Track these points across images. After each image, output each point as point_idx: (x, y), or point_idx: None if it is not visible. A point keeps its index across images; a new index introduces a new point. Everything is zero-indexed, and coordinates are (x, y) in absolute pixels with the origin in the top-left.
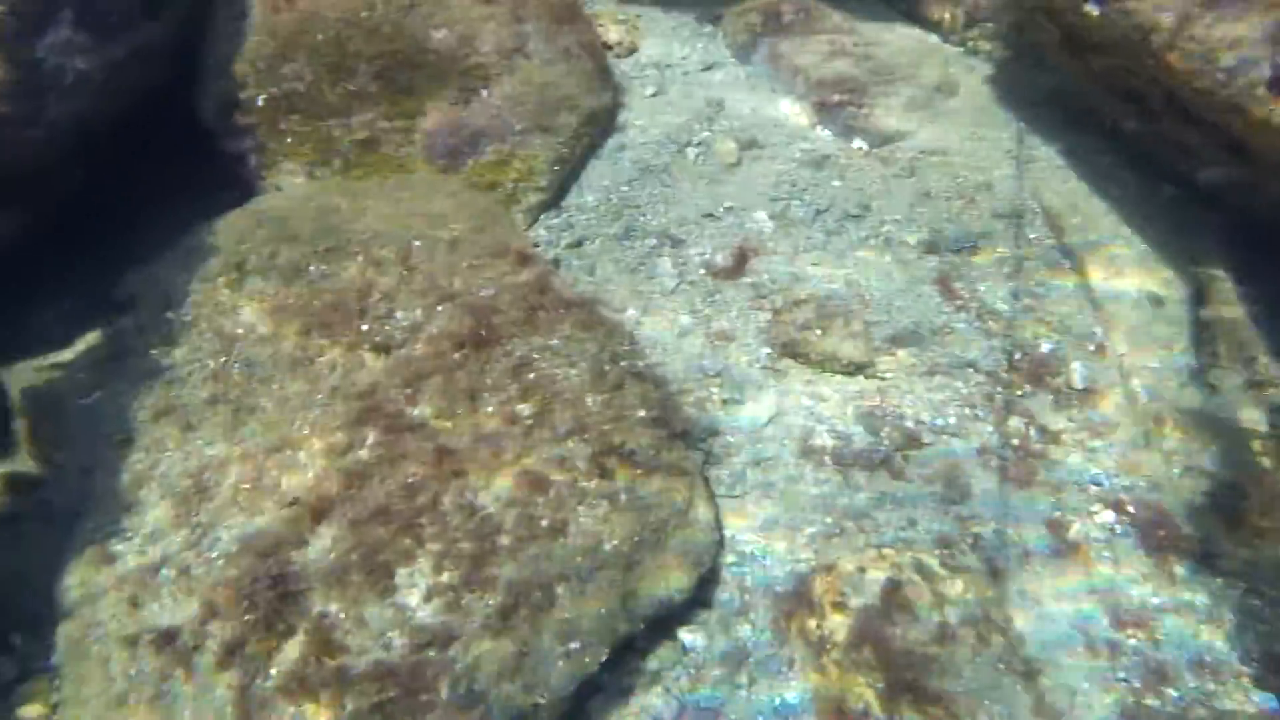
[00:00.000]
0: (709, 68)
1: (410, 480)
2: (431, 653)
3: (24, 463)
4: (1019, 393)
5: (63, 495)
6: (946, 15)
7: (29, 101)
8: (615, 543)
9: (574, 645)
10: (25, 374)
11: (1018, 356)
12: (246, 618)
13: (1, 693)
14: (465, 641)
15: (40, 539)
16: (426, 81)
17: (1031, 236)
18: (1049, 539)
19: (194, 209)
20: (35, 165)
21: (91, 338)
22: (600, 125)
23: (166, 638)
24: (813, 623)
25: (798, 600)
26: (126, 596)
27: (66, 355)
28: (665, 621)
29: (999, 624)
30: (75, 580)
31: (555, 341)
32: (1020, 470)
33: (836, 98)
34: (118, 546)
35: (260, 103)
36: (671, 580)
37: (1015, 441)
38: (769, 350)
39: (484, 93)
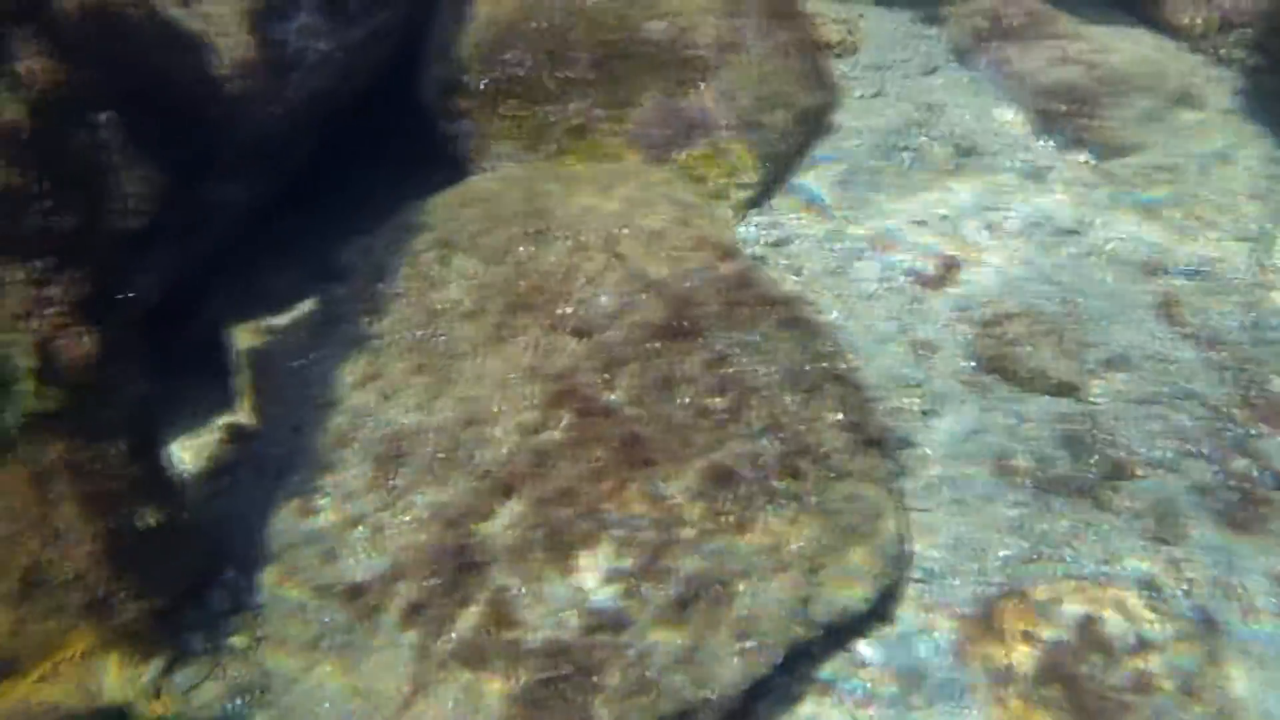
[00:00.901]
0: (930, 71)
1: (598, 464)
2: (605, 636)
3: (243, 415)
4: (1251, 432)
5: (274, 449)
6: (1195, 20)
7: (272, 80)
8: (799, 545)
9: (748, 644)
10: (249, 334)
11: (1253, 393)
12: (430, 582)
13: (214, 622)
14: (639, 629)
15: (252, 486)
16: (642, 72)
17: (1275, 264)
18: (1278, 596)
19: (410, 186)
20: (272, 139)
21: (309, 304)
22: (812, 125)
23: (356, 591)
24: (998, 651)
25: (983, 626)
26: (323, 549)
27: (286, 319)
28: (843, 631)
29: (1211, 682)
30: (280, 528)
31: (754, 337)
32: (1246, 516)
33: (1062, 107)
34: (318, 501)
35: (480, 86)
36: (853, 589)
37: (1242, 485)
38: (972, 363)
39: (698, 86)
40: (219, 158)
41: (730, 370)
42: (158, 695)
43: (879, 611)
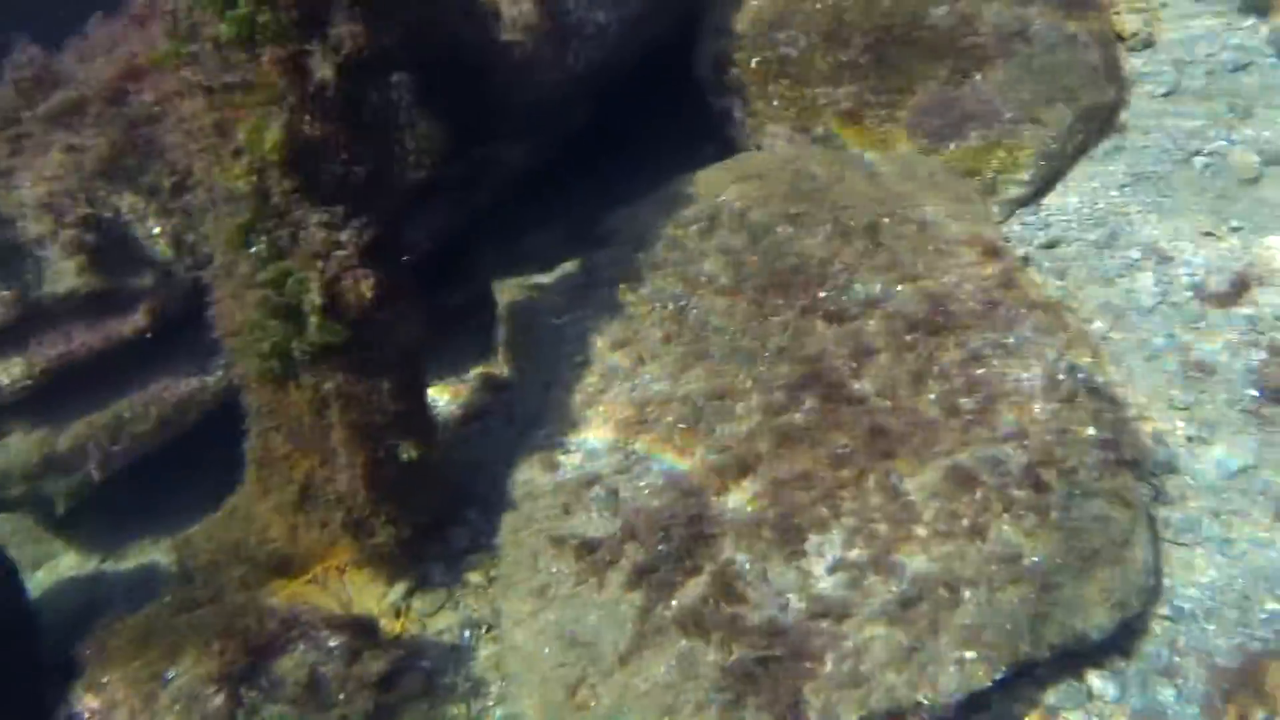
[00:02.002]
0: (1240, 68)
1: (839, 451)
2: (825, 624)
3: (498, 367)
4: None
5: (524, 401)
6: None
7: (554, 48)
8: (1036, 560)
9: (970, 654)
10: (512, 289)
11: None
12: (660, 548)
13: (454, 557)
14: (860, 621)
15: (500, 435)
16: (919, 58)
17: None
18: None
19: (677, 159)
20: (550, 105)
21: (571, 265)
22: (1098, 122)
23: (588, 547)
24: (1258, 713)
25: (1242, 681)
26: (561, 502)
27: (547, 278)
28: (1074, 657)
29: None
30: (522, 478)
31: (1011, 340)
32: None
33: None
34: (561, 457)
35: (753, 65)
36: (1091, 615)
37: None
38: (1255, 392)
39: (976, 75)
40: (500, 120)
41: (983, 371)
42: (399, 615)
43: (1118, 644)
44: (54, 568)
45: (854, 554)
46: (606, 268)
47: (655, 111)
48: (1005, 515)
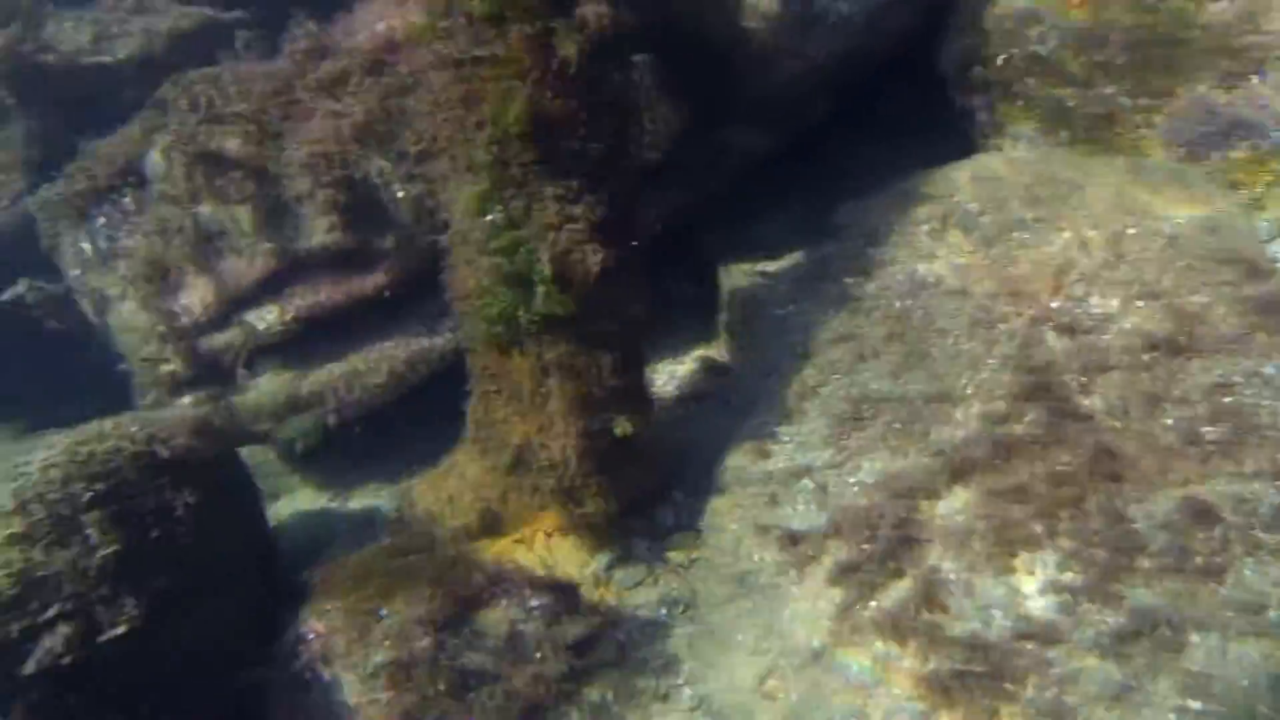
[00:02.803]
0: None
1: (1060, 469)
2: (1031, 646)
3: (719, 352)
4: None
5: (741, 389)
6: None
7: (796, 36)
8: None
9: (1194, 704)
10: (738, 276)
11: None
12: (865, 547)
13: (658, 534)
14: (1070, 649)
15: (715, 419)
16: (1185, 59)
17: None
18: None
19: (915, 155)
20: (789, 93)
21: (798, 256)
22: None
23: (792, 539)
24: None
25: None
26: (769, 491)
27: (774, 267)
28: None
29: None
30: (733, 463)
31: (1270, 370)
32: None
33: None
34: (773, 446)
35: (999, 62)
36: None
37: None
38: None
39: (1254, 78)
40: (737, 105)
41: (1232, 400)
42: (599, 585)
43: None
44: (292, 501)
45: (1068, 577)
46: (835, 261)
47: (895, 105)
48: (1249, 560)
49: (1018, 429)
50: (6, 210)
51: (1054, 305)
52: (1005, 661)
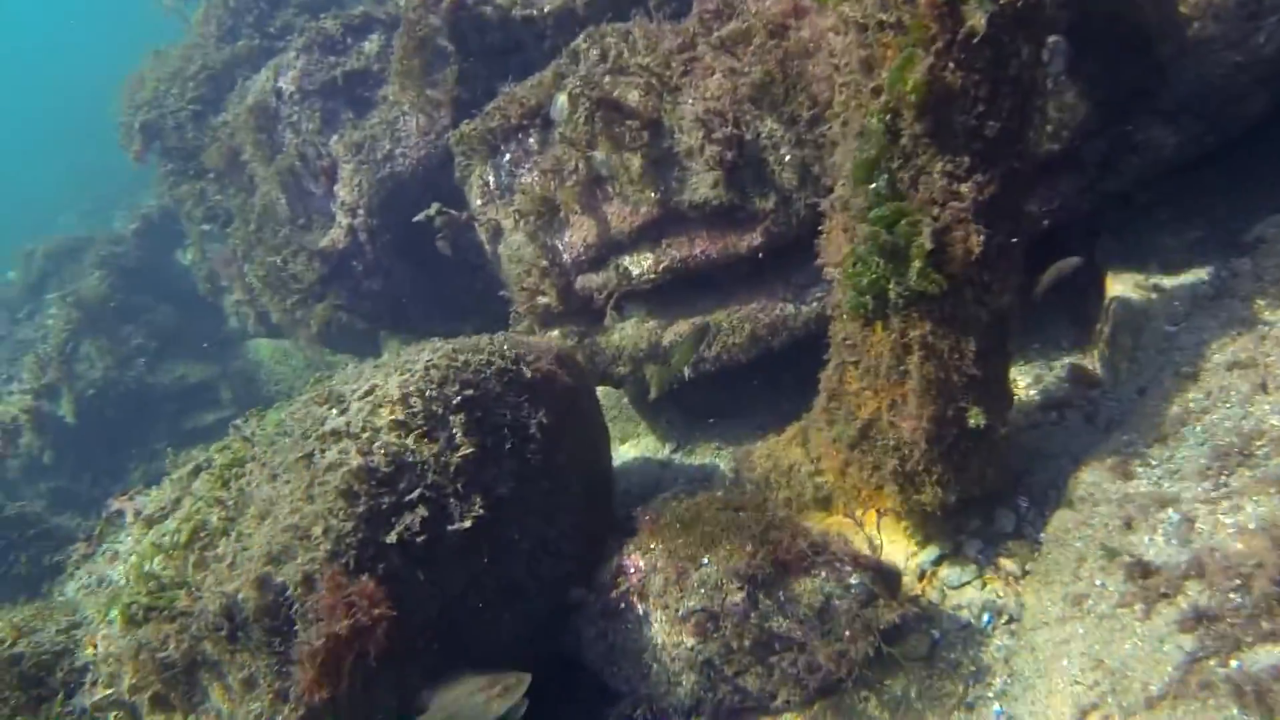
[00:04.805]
0: None
1: None
2: None
3: (1092, 361)
4: None
5: (1111, 403)
6: None
7: (1240, 27)
8: None
9: None
10: (1127, 284)
11: None
12: (1234, 597)
13: (993, 538)
14: None
15: (1076, 431)
16: None
17: None
18: None
19: None
20: (1220, 89)
21: (1201, 271)
22: None
23: (1143, 571)
24: None
25: None
26: (1124, 515)
27: (1170, 280)
28: None
29: None
30: (1088, 479)
31: None
32: None
33: None
34: (1138, 468)
35: None
36: None
37: None
38: None
39: None
40: (1154, 100)
41: None
42: (923, 577)
43: None
44: (636, 445)
45: None
46: (1245, 280)
47: None
48: None
49: None
50: (434, 142)
51: None
52: None
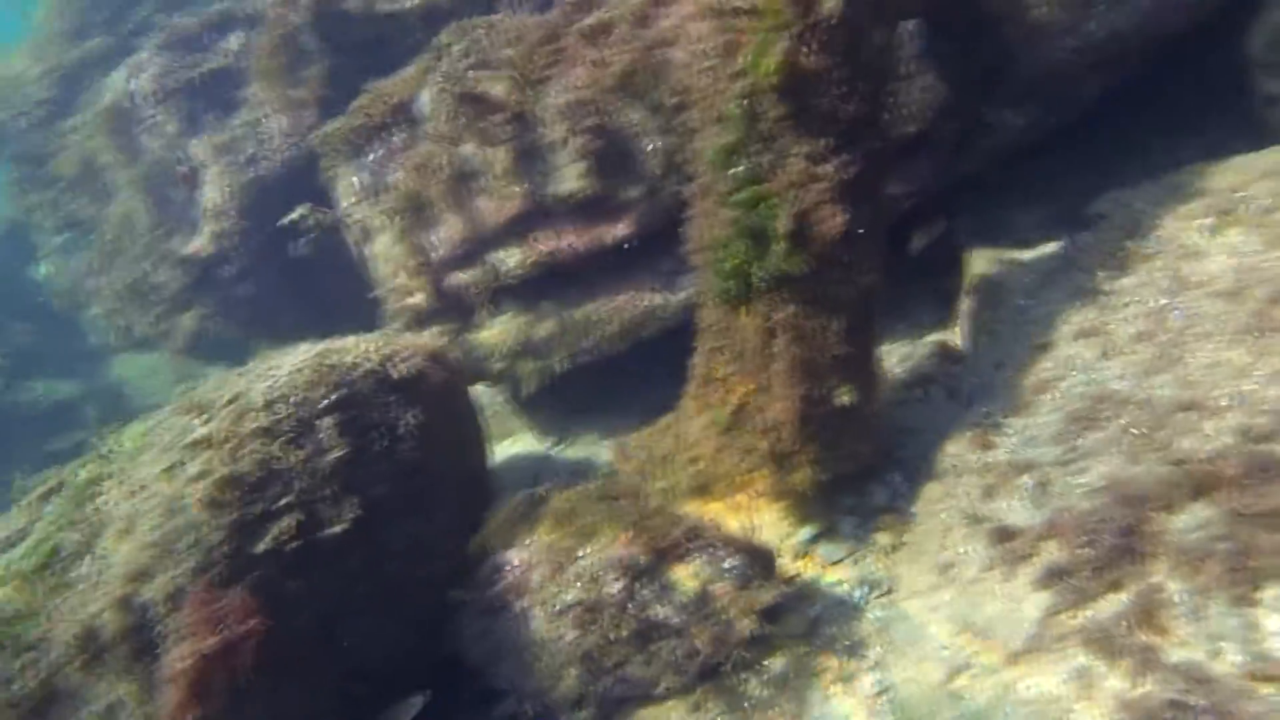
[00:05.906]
0: None
1: None
2: (1267, 690)
3: (954, 337)
4: None
5: (972, 377)
6: None
7: (1076, 11)
8: None
9: None
10: (984, 261)
11: None
12: (1083, 552)
13: (867, 514)
14: None
15: (940, 405)
16: None
17: None
18: None
19: (1192, 145)
20: (1061, 72)
21: (1050, 245)
22: None
23: (1004, 535)
24: None
25: None
26: (986, 483)
27: (1022, 255)
28: None
29: None
30: (952, 451)
31: None
32: None
33: None
34: (996, 438)
35: None
36: None
37: None
38: None
39: None
40: (1004, 82)
41: None
42: (799, 557)
43: None
44: (514, 443)
45: None
46: (1088, 253)
47: (1176, 91)
48: None
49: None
50: (300, 143)
51: None
52: (1231, 702)
